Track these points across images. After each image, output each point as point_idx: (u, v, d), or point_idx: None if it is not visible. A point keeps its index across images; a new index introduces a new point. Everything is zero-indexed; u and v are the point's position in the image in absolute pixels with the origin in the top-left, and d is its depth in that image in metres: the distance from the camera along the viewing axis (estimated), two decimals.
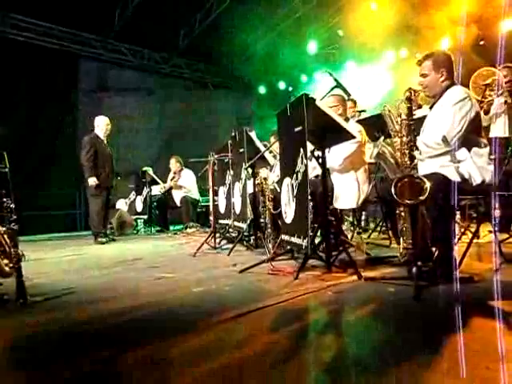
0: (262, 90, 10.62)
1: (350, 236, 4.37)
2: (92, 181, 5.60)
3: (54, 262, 4.10)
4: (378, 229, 4.95)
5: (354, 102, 5.31)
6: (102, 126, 5.92)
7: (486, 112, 4.19)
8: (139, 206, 7.79)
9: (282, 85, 10.21)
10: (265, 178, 3.85)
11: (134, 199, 7.89)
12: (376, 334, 1.67)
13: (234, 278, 2.81)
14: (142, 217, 7.69)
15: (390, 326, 1.72)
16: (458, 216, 4.19)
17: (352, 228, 4.88)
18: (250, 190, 4.17)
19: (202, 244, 4.22)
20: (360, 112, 5.20)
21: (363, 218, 5.59)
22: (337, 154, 3.52)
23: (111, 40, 8.69)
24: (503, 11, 6.41)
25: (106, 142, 5.97)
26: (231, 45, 8.34)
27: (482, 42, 7.18)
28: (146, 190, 7.59)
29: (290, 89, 9.87)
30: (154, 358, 1.48)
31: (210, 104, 10.37)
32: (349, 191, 3.54)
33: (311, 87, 9.14)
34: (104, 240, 5.58)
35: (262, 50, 8.80)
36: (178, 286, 2.64)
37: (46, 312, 2.17)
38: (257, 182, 4.03)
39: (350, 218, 5.06)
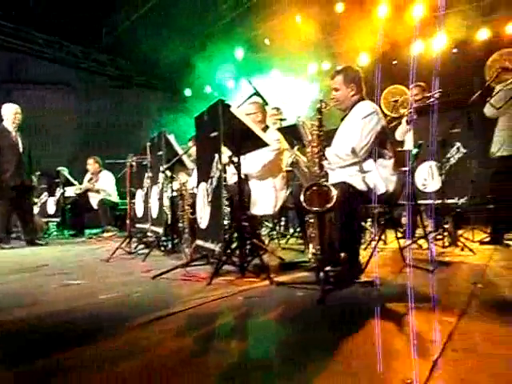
0: (187, 92, 10.50)
1: (267, 242, 4.45)
2: None
3: None
4: (296, 234, 5.10)
5: (278, 110, 5.45)
6: (8, 115, 5.26)
7: (395, 128, 4.53)
8: (51, 208, 7.30)
9: (208, 89, 10.18)
10: (184, 183, 3.80)
11: (46, 201, 7.38)
12: (281, 336, 1.71)
13: (146, 284, 2.73)
14: (54, 220, 7.22)
15: (294, 329, 1.77)
16: (369, 223, 4.47)
17: (270, 234, 4.99)
18: (168, 193, 4.09)
19: (117, 249, 4.05)
20: (281, 120, 5.34)
21: (283, 223, 5.74)
22: (255, 161, 3.57)
23: (25, 28, 8.10)
24: (414, 35, 7.03)
25: (14, 133, 5.28)
26: (158, 45, 8.17)
27: (394, 62, 7.78)
28: (59, 191, 7.13)
29: (216, 94, 9.87)
30: (63, 363, 1.40)
31: (134, 104, 10.01)
32: (266, 198, 3.61)
33: (237, 93, 9.22)
34: (7, 246, 5.08)
35: (190, 53, 8.72)
36: (85, 293, 2.50)
37: None
38: (176, 186, 3.97)
39: (270, 224, 5.17)
